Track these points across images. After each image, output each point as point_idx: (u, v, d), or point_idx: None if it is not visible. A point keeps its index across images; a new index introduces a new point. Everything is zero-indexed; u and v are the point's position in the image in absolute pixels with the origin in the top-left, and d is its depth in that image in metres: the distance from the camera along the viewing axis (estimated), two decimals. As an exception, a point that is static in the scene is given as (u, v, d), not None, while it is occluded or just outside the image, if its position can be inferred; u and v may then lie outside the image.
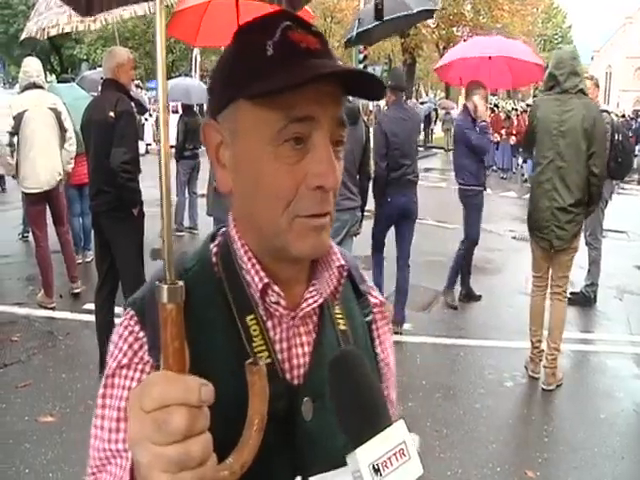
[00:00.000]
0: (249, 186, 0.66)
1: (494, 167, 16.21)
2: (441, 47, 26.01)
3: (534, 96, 28.49)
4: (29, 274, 5.67)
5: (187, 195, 7.63)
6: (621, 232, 8.70)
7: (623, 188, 14.80)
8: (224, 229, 0.74)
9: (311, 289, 0.71)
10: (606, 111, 5.06)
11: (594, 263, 5.41)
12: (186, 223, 7.61)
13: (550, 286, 3.86)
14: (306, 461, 0.66)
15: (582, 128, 3.53)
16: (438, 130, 22.83)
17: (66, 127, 4.73)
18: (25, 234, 7.01)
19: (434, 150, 21.31)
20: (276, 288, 0.67)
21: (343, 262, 0.71)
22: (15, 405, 3.34)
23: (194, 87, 11.51)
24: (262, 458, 0.57)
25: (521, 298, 5.03)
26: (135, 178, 3.46)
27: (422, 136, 19.26)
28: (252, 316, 0.67)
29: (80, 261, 5.93)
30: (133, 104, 3.69)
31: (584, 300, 5.37)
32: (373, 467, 0.54)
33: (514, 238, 8.11)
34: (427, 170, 15.16)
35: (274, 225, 0.65)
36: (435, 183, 13.07)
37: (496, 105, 17.95)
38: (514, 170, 15.84)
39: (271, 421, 0.56)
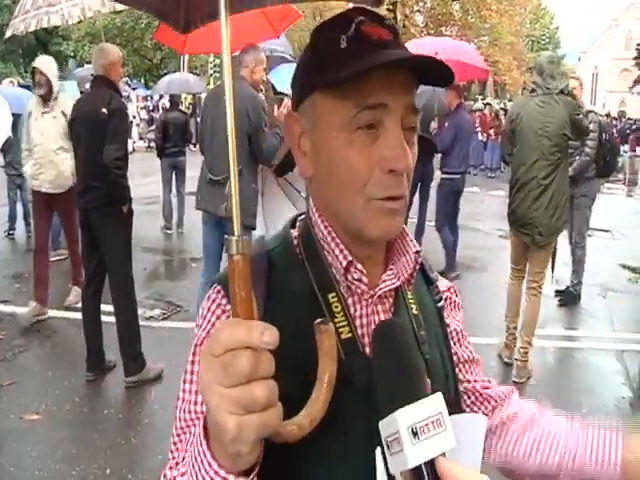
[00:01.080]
0: (327, 171, 0.70)
1: (482, 166, 16.36)
2: (429, 47, 26.16)
3: (521, 96, 28.63)
4: (15, 272, 5.64)
5: (175, 194, 7.56)
6: (606, 231, 8.80)
7: (608, 188, 14.99)
8: (303, 216, 0.79)
9: (389, 272, 0.75)
10: (593, 111, 5.15)
11: (579, 262, 5.48)
12: (174, 221, 7.57)
13: (527, 281, 4.02)
14: None
15: (564, 128, 3.63)
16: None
17: None
18: (11, 231, 6.96)
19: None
20: (359, 266, 0.71)
21: (419, 248, 0.75)
22: (0, 403, 3.32)
23: (190, 77, 11.58)
24: (343, 426, 0.63)
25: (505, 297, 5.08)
26: (126, 175, 3.47)
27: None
28: (334, 294, 0.71)
29: (58, 258, 5.92)
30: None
31: (571, 297, 5.45)
32: (412, 430, 0.54)
33: (501, 237, 8.15)
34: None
35: (351, 207, 0.69)
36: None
37: (487, 104, 18.05)
38: (502, 169, 15.96)
39: (352, 392, 0.62)
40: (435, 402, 0.56)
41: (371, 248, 0.74)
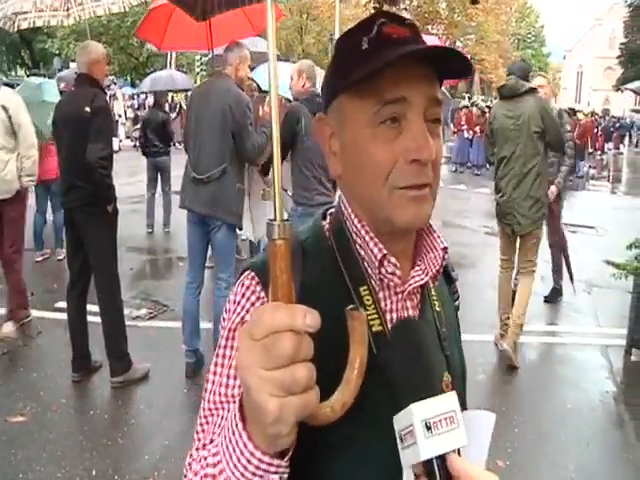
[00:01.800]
0: (354, 167, 0.72)
1: (468, 163, 16.44)
2: (416, 45, 26.26)
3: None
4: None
5: (160, 193, 7.47)
6: (590, 227, 8.91)
7: (593, 185, 15.17)
8: (333, 209, 0.80)
9: (417, 268, 0.76)
10: (565, 110, 5.41)
11: (555, 259, 5.57)
12: (160, 221, 7.50)
13: (518, 270, 4.32)
14: None
15: (536, 121, 3.90)
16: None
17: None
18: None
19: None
20: (393, 259, 0.72)
21: (447, 245, 0.76)
22: (-16, 405, 3.28)
23: (175, 75, 11.46)
24: (370, 415, 0.65)
25: (495, 293, 5.11)
26: (110, 175, 3.43)
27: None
28: (365, 287, 0.72)
29: (43, 258, 5.85)
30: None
31: (558, 294, 5.52)
32: (425, 424, 0.55)
33: (488, 234, 8.20)
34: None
35: (377, 198, 0.70)
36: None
37: (473, 103, 18.13)
38: (487, 167, 16.06)
39: (382, 383, 0.62)
40: (450, 400, 0.58)
41: (401, 242, 0.75)
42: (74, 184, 3.41)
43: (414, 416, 0.55)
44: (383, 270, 0.72)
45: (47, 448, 2.91)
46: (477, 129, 16.19)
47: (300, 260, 0.72)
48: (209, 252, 3.74)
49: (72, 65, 12.74)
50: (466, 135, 16.37)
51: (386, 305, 0.74)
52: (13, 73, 32.04)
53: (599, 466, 3.03)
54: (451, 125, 18.95)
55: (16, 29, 4.37)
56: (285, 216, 0.56)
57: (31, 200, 6.19)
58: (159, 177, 7.36)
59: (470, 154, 16.36)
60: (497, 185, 4.16)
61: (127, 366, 3.56)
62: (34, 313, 4.54)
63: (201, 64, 14.50)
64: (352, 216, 0.75)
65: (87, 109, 3.32)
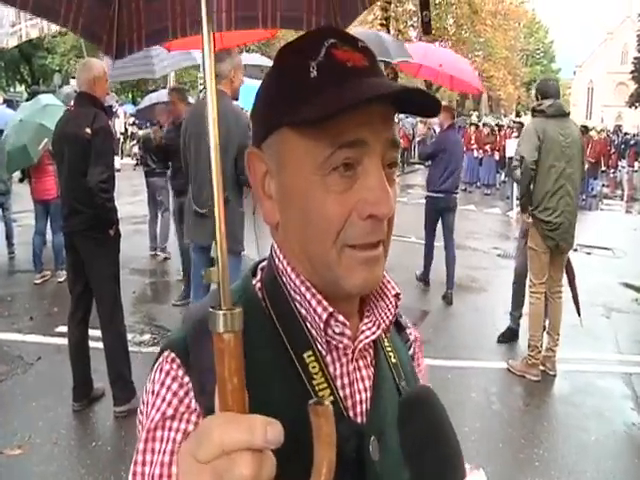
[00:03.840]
0: (297, 218, 0.64)
1: (478, 183, 16.52)
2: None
3: (517, 112, 29.05)
4: (-3, 295, 5.57)
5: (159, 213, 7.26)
6: (606, 249, 8.88)
7: (607, 204, 15.15)
8: (264, 263, 0.73)
9: (366, 320, 0.70)
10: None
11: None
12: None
13: (550, 288, 4.40)
14: None
15: (580, 141, 4.30)
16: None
17: None
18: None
19: (416, 166, 21.63)
20: (341, 317, 0.64)
21: (399, 290, 0.70)
22: (-19, 437, 3.25)
23: None
24: None
25: (507, 317, 5.10)
26: (112, 198, 3.44)
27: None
28: (310, 352, 0.64)
29: (43, 280, 5.85)
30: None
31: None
32: None
33: (499, 256, 8.20)
34: (409, 187, 15.35)
35: (324, 258, 0.63)
36: (417, 200, 13.22)
37: (484, 124, 18.30)
38: (498, 186, 16.16)
39: (340, 464, 0.51)
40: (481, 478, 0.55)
41: (348, 300, 0.68)
42: (75, 208, 3.42)
43: None
44: (330, 331, 0.65)
45: (47, 482, 2.87)
46: (487, 148, 16.32)
47: None
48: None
49: (72, 82, 12.88)
50: (476, 154, 16.49)
51: (335, 370, 0.66)
52: (12, 89, 32.50)
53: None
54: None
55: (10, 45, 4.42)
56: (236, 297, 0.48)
57: (30, 220, 6.25)
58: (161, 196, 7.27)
59: (480, 173, 16.47)
60: (539, 199, 4.25)
61: (131, 394, 3.53)
62: (33, 338, 4.54)
63: (204, 82, 14.68)
64: (289, 270, 0.67)
65: (87, 130, 3.31)
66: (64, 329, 3.83)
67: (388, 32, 23.37)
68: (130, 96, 29.50)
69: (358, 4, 0.99)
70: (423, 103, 0.64)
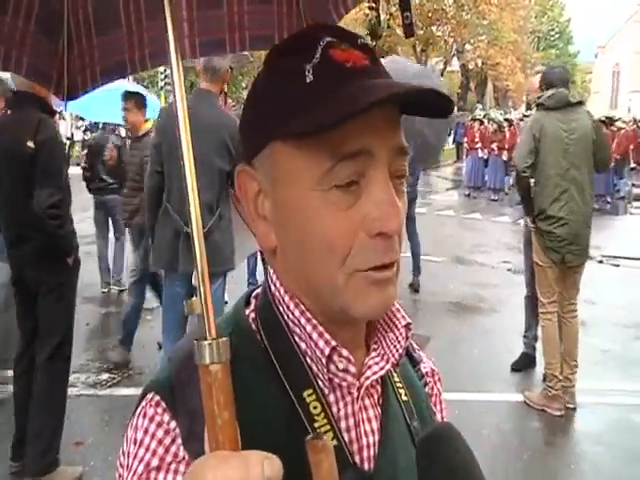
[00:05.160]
0: (296, 240, 0.65)
1: (483, 188, 16.40)
2: (419, 49, 26.70)
3: (528, 105, 29.11)
4: None
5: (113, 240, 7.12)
6: (636, 259, 8.79)
7: (637, 207, 15.08)
8: (258, 290, 0.75)
9: (373, 354, 0.71)
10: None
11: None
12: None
13: (562, 308, 4.41)
14: None
15: (591, 137, 4.22)
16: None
17: None
18: None
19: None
20: (345, 352, 0.65)
21: (409, 320, 0.71)
22: None
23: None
24: None
25: (521, 342, 5.12)
26: (65, 223, 3.30)
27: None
28: (310, 391, 0.66)
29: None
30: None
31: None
32: None
33: (510, 271, 8.19)
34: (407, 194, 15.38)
35: (330, 284, 0.64)
36: (417, 208, 13.28)
37: (485, 116, 18.34)
38: (507, 190, 16.02)
39: None
40: None
41: (354, 329, 0.70)
42: (22, 234, 3.30)
43: None
44: (333, 367, 0.66)
45: None
46: (494, 146, 16.31)
47: None
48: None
49: (3, 75, 12.64)
50: (480, 154, 16.57)
51: (339, 410, 0.68)
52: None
53: None
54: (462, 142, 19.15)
55: None
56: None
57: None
58: (110, 221, 6.95)
59: (485, 176, 16.48)
60: (540, 207, 4.27)
61: (48, 467, 3.30)
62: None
63: (165, 77, 14.62)
64: (287, 299, 0.69)
65: (29, 144, 3.13)
66: (8, 373, 3.78)
67: (378, 16, 23.74)
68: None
69: (332, 14, 1.06)
70: (433, 103, 0.65)
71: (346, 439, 0.67)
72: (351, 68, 0.63)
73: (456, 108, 30.97)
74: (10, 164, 3.22)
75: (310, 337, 0.67)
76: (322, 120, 0.58)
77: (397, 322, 0.72)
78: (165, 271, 3.70)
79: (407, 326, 0.71)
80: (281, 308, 0.69)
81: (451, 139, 26.27)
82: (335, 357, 0.66)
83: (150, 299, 5.44)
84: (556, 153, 4.17)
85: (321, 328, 0.66)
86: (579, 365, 4.37)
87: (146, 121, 5.20)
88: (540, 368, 4.76)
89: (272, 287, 0.71)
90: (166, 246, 3.51)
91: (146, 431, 0.63)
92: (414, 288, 7.00)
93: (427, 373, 0.85)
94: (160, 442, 0.62)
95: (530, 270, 4.76)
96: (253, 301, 0.74)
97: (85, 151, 6.87)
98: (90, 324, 5.93)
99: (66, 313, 3.48)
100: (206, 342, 0.50)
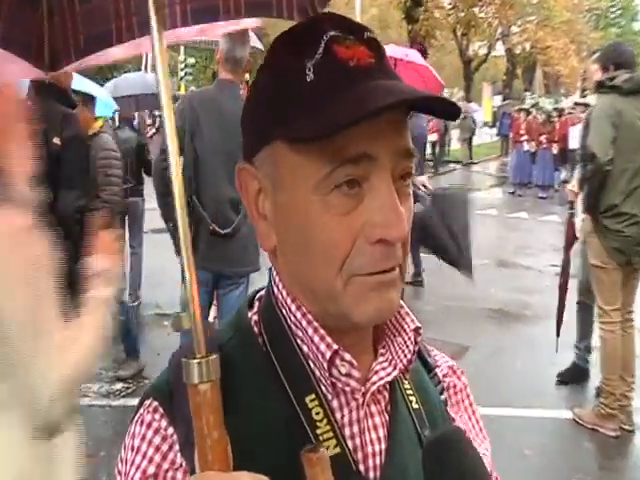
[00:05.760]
0: (296, 243, 0.68)
1: (530, 184, 16.19)
2: (459, 34, 26.47)
3: (583, 91, 28.51)
4: None
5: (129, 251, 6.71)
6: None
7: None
8: (262, 292, 0.78)
9: (381, 359, 0.74)
10: None
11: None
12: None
13: (622, 317, 4.28)
14: None
15: None
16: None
17: None
18: None
19: (451, 165, 21.58)
20: (347, 356, 0.68)
21: (419, 324, 0.74)
22: None
23: (150, 78, 9.53)
24: None
25: (570, 354, 5.06)
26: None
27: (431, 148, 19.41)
28: (313, 396, 0.68)
29: None
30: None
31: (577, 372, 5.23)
32: None
33: (558, 274, 8.09)
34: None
35: (328, 288, 0.66)
36: (456, 206, 13.24)
37: (534, 106, 18.08)
38: (557, 187, 15.90)
39: None
40: None
41: (358, 333, 0.72)
42: None
43: None
44: (335, 371, 0.68)
45: None
46: (543, 139, 16.11)
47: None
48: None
49: None
50: (526, 147, 16.38)
51: (343, 417, 0.70)
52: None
53: None
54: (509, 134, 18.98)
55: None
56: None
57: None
58: (127, 227, 6.41)
59: (533, 172, 16.29)
60: (608, 203, 4.14)
61: None
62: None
63: (185, 66, 14.78)
64: (289, 301, 0.72)
65: (56, 141, 3.14)
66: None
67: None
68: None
69: None
70: (439, 109, 0.69)
71: (350, 446, 0.69)
72: (354, 67, 0.64)
73: (501, 97, 30.77)
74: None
75: (312, 340, 0.69)
76: (321, 126, 0.60)
77: (405, 326, 0.74)
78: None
79: (416, 330, 0.73)
80: (284, 310, 0.72)
81: (495, 131, 26.03)
82: (337, 361, 0.68)
83: (166, 304, 5.48)
84: (632, 144, 4.01)
85: (323, 331, 0.69)
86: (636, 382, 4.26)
87: (96, 119, 5.02)
88: (593, 382, 4.67)
89: (275, 289, 0.74)
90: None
91: (143, 438, 0.66)
92: (418, 284, 7.39)
93: (446, 375, 0.86)
94: (157, 449, 0.65)
95: (586, 274, 4.62)
96: (257, 303, 0.77)
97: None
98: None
99: None
100: (195, 361, 0.52)
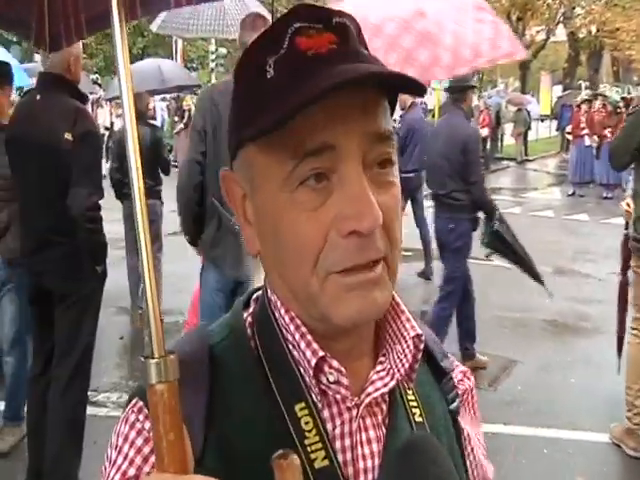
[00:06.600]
0: (272, 244, 0.71)
1: (591, 184, 15.91)
2: (514, 18, 26.18)
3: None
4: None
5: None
6: None
7: None
8: (258, 293, 0.81)
9: (378, 368, 0.75)
10: None
11: None
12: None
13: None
14: None
15: None
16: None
17: None
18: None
19: (503, 162, 21.39)
20: (335, 363, 0.69)
21: (420, 331, 0.74)
22: None
23: (168, 67, 9.97)
24: None
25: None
26: (101, 228, 3.38)
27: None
28: (302, 404, 0.70)
29: None
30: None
31: None
32: None
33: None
34: (493, 191, 15.22)
35: (305, 290, 0.69)
36: (506, 208, 13.11)
37: (597, 95, 17.74)
38: (624, 186, 15.59)
39: None
40: None
41: (350, 338, 0.73)
42: (45, 240, 3.35)
43: None
44: (324, 379, 0.70)
45: None
46: (607, 132, 15.80)
47: (206, 381, 0.70)
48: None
49: (37, 57, 13.19)
50: (587, 142, 16.11)
51: (334, 428, 0.71)
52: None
53: None
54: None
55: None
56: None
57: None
58: None
59: (595, 169, 16.02)
60: None
61: None
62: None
63: (217, 57, 14.96)
64: (279, 304, 0.74)
65: (67, 136, 3.18)
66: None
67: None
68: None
69: None
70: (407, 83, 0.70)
71: (340, 460, 0.70)
72: (312, 56, 0.66)
73: (561, 87, 30.30)
74: (42, 159, 3.27)
75: (299, 345, 0.71)
76: (274, 117, 0.63)
77: (405, 333, 0.75)
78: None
79: (418, 337, 0.73)
80: (276, 313, 0.75)
81: (555, 125, 25.67)
82: (325, 368, 0.70)
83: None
84: None
85: (310, 337, 0.71)
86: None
87: (13, 104, 4.44)
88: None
89: (269, 291, 0.77)
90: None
91: (126, 438, 0.69)
92: (426, 276, 7.91)
93: (460, 381, 0.88)
94: (139, 450, 0.68)
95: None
96: (252, 304, 0.80)
97: (110, 145, 6.77)
98: (124, 338, 5.98)
99: (88, 328, 3.51)
100: (152, 361, 0.55)
